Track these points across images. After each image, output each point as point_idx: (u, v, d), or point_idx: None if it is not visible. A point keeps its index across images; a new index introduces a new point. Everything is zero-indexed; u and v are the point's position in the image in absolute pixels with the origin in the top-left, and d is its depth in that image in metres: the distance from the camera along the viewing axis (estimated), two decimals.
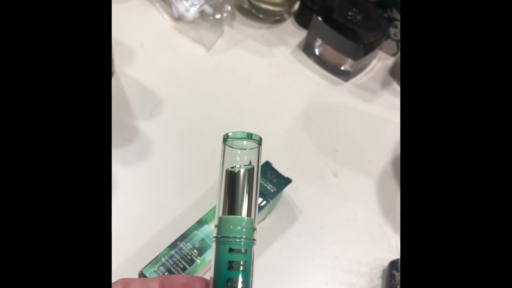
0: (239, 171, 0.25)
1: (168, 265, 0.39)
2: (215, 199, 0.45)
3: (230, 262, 0.23)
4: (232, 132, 0.26)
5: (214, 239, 0.24)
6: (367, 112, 0.61)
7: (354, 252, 0.47)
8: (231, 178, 0.25)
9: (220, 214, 0.25)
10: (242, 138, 0.26)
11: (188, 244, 0.40)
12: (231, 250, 0.23)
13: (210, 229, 0.42)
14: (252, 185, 0.25)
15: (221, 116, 0.56)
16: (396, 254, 0.47)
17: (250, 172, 0.25)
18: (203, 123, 0.55)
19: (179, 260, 0.39)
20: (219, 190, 0.25)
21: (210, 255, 0.40)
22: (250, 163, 0.25)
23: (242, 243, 0.23)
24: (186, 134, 0.53)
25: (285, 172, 0.48)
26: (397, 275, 0.44)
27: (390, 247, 0.48)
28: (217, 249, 0.24)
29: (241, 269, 0.23)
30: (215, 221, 0.25)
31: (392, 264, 0.45)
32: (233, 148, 0.26)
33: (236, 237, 0.24)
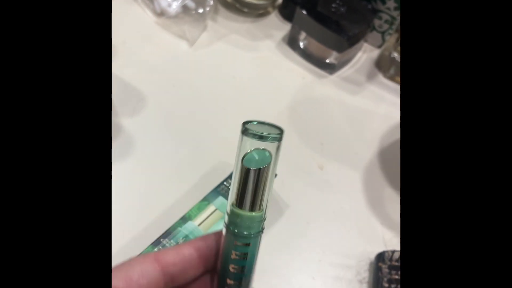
0: (255, 170, 0.24)
1: None
2: (199, 195, 0.44)
3: (234, 252, 0.25)
4: (252, 124, 0.24)
5: (225, 225, 0.25)
6: (352, 105, 0.60)
7: (340, 245, 0.47)
8: (246, 174, 0.24)
9: (233, 202, 0.25)
10: (261, 136, 0.23)
11: (172, 241, 0.40)
12: (236, 243, 0.25)
13: (194, 225, 0.41)
14: (267, 181, 0.24)
15: (205, 111, 0.55)
16: (382, 247, 0.47)
17: (265, 169, 0.24)
18: (187, 118, 0.54)
19: None
20: (233, 179, 0.25)
21: None
22: (268, 156, 0.24)
23: (248, 237, 0.25)
24: (170, 130, 0.53)
25: None
26: (384, 267, 0.44)
27: (377, 240, 0.48)
28: (225, 236, 0.25)
29: (243, 259, 0.25)
30: (227, 207, 0.25)
31: (379, 256, 0.45)
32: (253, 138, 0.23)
33: (242, 233, 0.24)
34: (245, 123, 0.24)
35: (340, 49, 0.59)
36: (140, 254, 0.39)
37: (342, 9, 0.60)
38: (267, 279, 0.44)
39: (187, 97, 0.56)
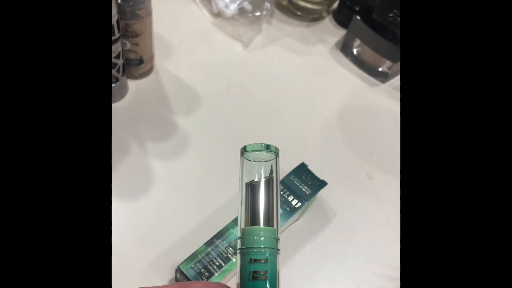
0: (258, 182, 0.25)
1: (205, 262, 0.40)
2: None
3: (252, 273, 0.23)
4: (249, 145, 0.26)
5: (238, 251, 0.24)
6: None
7: (386, 257, 0.47)
8: (251, 189, 0.25)
9: (243, 226, 0.25)
10: (260, 150, 0.26)
11: (224, 242, 0.41)
12: (252, 260, 0.23)
13: None
14: (272, 194, 0.25)
15: (257, 114, 0.57)
16: None
17: (270, 182, 0.25)
18: (239, 119, 0.55)
19: (215, 258, 0.40)
20: (240, 202, 0.25)
21: None
22: (270, 173, 0.26)
23: (263, 253, 0.24)
24: (223, 130, 0.54)
25: (319, 173, 0.48)
26: None
27: None
28: (240, 260, 0.24)
29: (262, 279, 0.23)
30: (238, 234, 0.25)
31: None
32: (251, 161, 0.26)
33: (256, 247, 0.24)
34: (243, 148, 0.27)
35: (395, 58, 0.59)
36: (193, 253, 0.41)
37: (398, 18, 0.60)
38: (312, 284, 0.45)
39: (239, 98, 0.57)
